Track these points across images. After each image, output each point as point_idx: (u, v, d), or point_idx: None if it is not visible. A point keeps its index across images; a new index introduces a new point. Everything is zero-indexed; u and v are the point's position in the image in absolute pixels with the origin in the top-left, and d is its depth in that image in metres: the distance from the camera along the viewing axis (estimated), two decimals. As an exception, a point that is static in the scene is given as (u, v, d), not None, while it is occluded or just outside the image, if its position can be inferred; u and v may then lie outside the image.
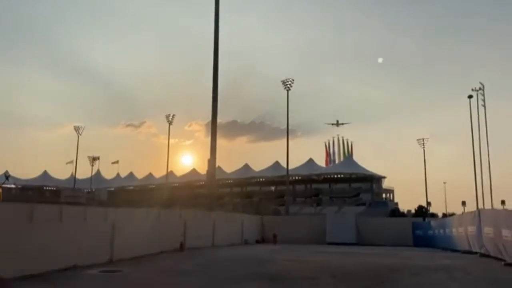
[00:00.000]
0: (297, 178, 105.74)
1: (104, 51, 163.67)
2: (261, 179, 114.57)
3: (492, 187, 54.51)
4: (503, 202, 71.98)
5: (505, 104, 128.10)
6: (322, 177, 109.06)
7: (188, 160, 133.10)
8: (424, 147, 75.04)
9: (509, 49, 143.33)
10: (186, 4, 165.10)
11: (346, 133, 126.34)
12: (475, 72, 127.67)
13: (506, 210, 23.90)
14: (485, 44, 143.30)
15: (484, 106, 57.60)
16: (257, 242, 36.53)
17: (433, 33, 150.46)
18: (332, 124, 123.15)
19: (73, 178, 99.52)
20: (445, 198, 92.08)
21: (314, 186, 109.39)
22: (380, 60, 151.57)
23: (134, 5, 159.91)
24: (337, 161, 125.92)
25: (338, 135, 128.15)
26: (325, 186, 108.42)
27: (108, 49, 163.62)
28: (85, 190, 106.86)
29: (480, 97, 58.11)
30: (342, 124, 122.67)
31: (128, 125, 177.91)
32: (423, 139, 75.92)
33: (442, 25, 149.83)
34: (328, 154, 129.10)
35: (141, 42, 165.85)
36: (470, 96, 58.13)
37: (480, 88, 58.65)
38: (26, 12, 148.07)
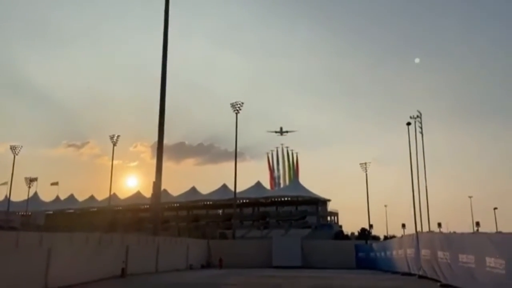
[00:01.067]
0: (244, 201, 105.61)
1: (44, 67, 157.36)
2: (208, 202, 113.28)
3: (430, 210, 57.16)
4: (439, 225, 75.68)
5: (441, 130, 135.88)
6: (270, 200, 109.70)
7: (132, 182, 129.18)
8: (366, 171, 77.66)
9: (445, 79, 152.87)
10: (133, 22, 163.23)
11: (291, 143, 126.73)
12: (414, 100, 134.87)
13: (441, 233, 25.08)
14: (424, 73, 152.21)
15: (421, 133, 60.78)
16: (203, 267, 35.88)
17: (375, 61, 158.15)
18: (276, 132, 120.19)
19: (7, 200, 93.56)
20: (386, 221, 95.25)
21: (261, 209, 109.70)
22: (326, 84, 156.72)
23: (78, 20, 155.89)
24: (281, 177, 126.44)
25: (282, 144, 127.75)
26: (272, 209, 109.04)
27: (49, 66, 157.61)
28: (20, 213, 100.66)
29: (418, 124, 61.34)
30: (286, 132, 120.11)
31: (69, 146, 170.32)
32: (365, 163, 78.57)
33: (384, 55, 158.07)
34: (272, 176, 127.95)
35: (85, 59, 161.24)
36: (408, 124, 61.04)
37: (417, 116, 61.92)
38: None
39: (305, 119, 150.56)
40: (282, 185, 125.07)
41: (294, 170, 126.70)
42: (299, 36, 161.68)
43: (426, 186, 56.85)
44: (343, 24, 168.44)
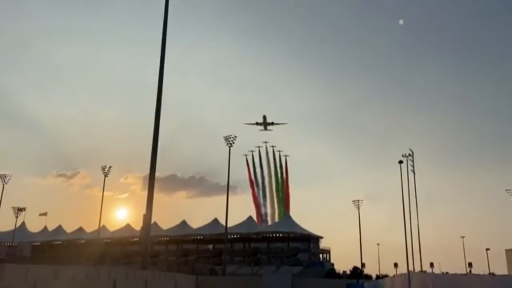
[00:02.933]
0: (235, 236, 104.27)
1: (35, 95, 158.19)
2: (198, 237, 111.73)
3: (422, 250, 56.82)
4: (431, 265, 74.92)
5: (433, 169, 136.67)
6: (261, 235, 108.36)
7: (122, 214, 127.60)
8: (359, 209, 77.47)
9: (438, 118, 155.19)
10: (127, 56, 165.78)
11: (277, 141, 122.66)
12: (407, 138, 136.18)
13: (434, 273, 24.89)
14: (416, 112, 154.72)
15: (413, 171, 61.24)
16: (191, 303, 35.07)
17: (367, 97, 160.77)
18: (258, 124, 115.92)
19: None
20: (379, 259, 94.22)
21: (252, 245, 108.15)
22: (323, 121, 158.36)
23: (69, 50, 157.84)
24: (268, 188, 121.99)
25: (266, 143, 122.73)
26: (264, 245, 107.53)
27: (40, 94, 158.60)
28: (6, 244, 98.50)
29: (410, 163, 61.87)
30: (272, 124, 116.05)
31: (59, 175, 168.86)
32: (358, 200, 78.48)
33: (376, 91, 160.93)
34: (259, 213, 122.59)
35: (76, 88, 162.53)
36: (400, 162, 61.49)
37: (409, 154, 62.57)
38: None
39: (297, 155, 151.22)
40: (269, 208, 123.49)
41: (282, 179, 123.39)
42: (288, 72, 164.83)
43: (418, 225, 56.86)
44: (334, 61, 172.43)
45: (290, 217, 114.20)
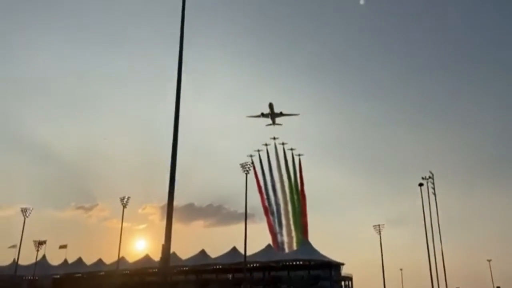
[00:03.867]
0: (255, 265, 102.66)
1: (54, 129, 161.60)
2: (217, 266, 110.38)
3: (447, 273, 55.04)
4: (458, 290, 72.49)
5: (455, 191, 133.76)
6: (281, 264, 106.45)
7: (141, 245, 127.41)
8: (380, 234, 75.88)
9: (457, 139, 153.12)
10: (144, 85, 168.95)
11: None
12: (426, 160, 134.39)
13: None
14: (434, 133, 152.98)
15: (434, 194, 59.99)
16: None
17: (386, 124, 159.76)
18: (264, 115, 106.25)
19: (15, 264, 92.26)
20: (402, 285, 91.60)
21: (272, 273, 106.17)
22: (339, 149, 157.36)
23: (87, 83, 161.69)
24: (282, 200, 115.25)
25: (275, 139, 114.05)
26: (284, 273, 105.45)
27: (59, 128, 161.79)
28: (27, 278, 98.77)
29: (430, 185, 60.68)
30: (280, 114, 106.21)
31: (78, 208, 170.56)
32: (379, 225, 76.97)
33: (391, 116, 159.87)
34: (275, 240, 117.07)
35: (95, 121, 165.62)
36: (420, 184, 60.57)
37: (429, 177, 61.46)
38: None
39: (316, 181, 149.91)
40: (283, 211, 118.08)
41: (297, 185, 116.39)
42: (301, 97, 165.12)
43: (442, 249, 55.38)
44: (350, 85, 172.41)
45: (309, 244, 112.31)
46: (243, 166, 65.77)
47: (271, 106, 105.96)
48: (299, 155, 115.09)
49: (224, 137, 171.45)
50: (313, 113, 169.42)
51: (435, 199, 60.04)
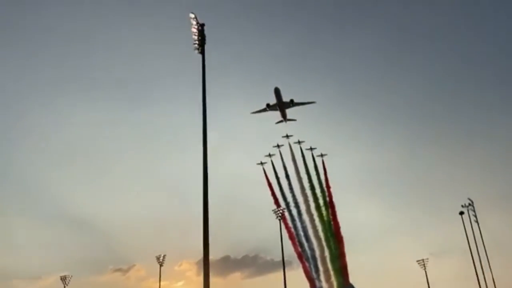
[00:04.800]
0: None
1: (87, 194, 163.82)
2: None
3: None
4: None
5: (498, 216, 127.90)
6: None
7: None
8: (425, 268, 72.59)
9: (495, 165, 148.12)
10: (171, 140, 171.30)
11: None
12: (464, 187, 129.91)
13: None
14: (470, 159, 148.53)
15: (476, 221, 57.56)
16: None
17: (418, 148, 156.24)
18: (269, 108, 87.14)
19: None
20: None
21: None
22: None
23: (118, 144, 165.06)
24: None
25: (288, 137, 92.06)
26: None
27: (91, 192, 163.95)
28: None
29: (471, 212, 58.38)
30: (291, 103, 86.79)
31: (116, 270, 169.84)
32: (423, 260, 73.78)
33: (424, 143, 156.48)
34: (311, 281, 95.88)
35: (124, 181, 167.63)
36: (461, 213, 58.41)
37: (469, 204, 59.25)
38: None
39: (351, 217, 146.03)
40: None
41: (330, 223, 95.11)
42: (330, 129, 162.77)
43: (493, 278, 52.34)
44: (377, 115, 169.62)
45: (352, 286, 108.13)
46: (275, 212, 65.04)
47: (277, 92, 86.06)
48: (321, 155, 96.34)
49: (253, 183, 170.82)
50: (341, 142, 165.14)
51: (478, 227, 57.57)
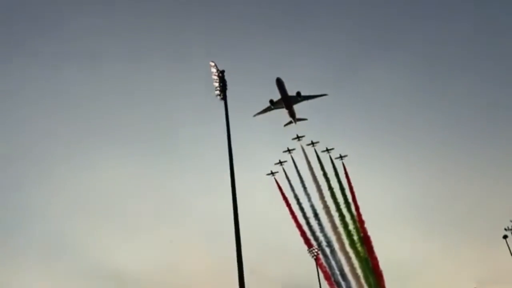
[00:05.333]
0: None
1: (124, 248, 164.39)
2: None
3: None
4: None
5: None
6: None
7: None
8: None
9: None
10: (199, 188, 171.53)
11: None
12: (505, 210, 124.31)
13: None
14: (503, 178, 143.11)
15: (523, 244, 54.93)
16: None
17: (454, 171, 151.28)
18: (273, 106, 76.71)
19: None
20: None
21: None
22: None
23: (147, 204, 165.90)
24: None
25: (300, 139, 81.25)
26: None
27: (128, 246, 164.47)
28: None
29: (516, 236, 55.90)
30: (298, 97, 75.48)
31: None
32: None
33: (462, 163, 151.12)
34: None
35: (156, 232, 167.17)
36: (505, 237, 56.00)
37: (512, 227, 56.96)
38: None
39: (390, 250, 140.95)
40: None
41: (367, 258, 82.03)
42: (365, 162, 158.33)
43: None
44: (410, 145, 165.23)
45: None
46: (310, 251, 63.82)
47: (279, 83, 74.36)
48: (340, 157, 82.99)
49: (284, 222, 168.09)
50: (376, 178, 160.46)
51: (526, 250, 54.83)
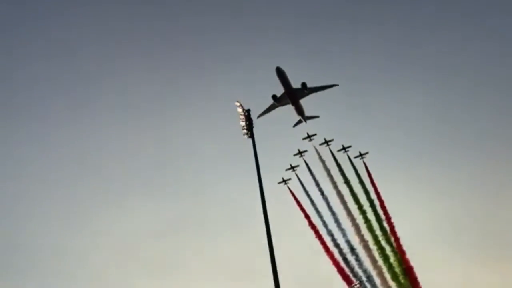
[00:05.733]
0: None
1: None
2: None
3: None
4: None
5: None
6: None
7: None
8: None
9: None
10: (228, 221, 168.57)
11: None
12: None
13: None
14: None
15: None
16: None
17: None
18: (277, 103, 68.59)
19: None
20: None
21: None
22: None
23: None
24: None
25: (311, 138, 70.00)
26: None
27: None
28: None
29: None
30: (304, 89, 66.70)
31: None
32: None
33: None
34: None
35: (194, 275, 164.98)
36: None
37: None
38: None
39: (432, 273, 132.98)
40: None
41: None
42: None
43: None
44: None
45: None
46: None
47: (280, 73, 65.89)
48: (360, 155, 71.78)
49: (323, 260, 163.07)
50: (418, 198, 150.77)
51: None
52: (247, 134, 42.23)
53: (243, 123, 42.40)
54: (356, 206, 69.77)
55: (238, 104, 43.03)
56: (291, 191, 71.32)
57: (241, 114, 42.94)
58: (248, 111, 43.02)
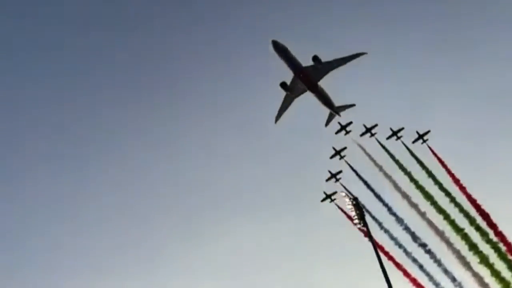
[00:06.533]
0: None
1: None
2: None
3: None
4: None
5: None
6: None
7: None
8: None
9: None
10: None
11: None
12: None
13: None
14: None
15: None
16: None
17: None
18: (283, 89, 49.71)
19: None
20: None
21: None
22: None
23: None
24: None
25: (347, 130, 52.77)
26: None
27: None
28: None
29: None
30: (318, 68, 47.65)
31: None
32: None
33: None
34: None
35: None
36: None
37: None
38: None
39: None
40: None
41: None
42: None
43: None
44: None
45: None
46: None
47: (279, 49, 48.13)
48: (420, 137, 52.58)
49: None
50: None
51: None
52: (359, 223, 40.60)
53: (354, 213, 40.85)
54: (441, 217, 48.71)
55: (343, 194, 42.03)
56: (347, 215, 50.41)
57: (348, 204, 41.58)
58: (356, 199, 41.45)
